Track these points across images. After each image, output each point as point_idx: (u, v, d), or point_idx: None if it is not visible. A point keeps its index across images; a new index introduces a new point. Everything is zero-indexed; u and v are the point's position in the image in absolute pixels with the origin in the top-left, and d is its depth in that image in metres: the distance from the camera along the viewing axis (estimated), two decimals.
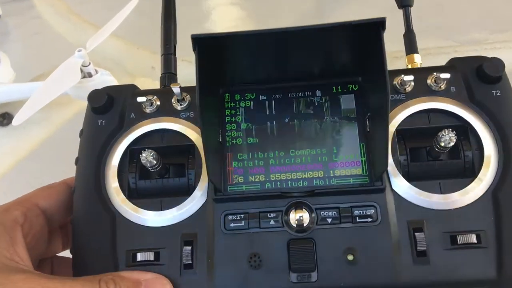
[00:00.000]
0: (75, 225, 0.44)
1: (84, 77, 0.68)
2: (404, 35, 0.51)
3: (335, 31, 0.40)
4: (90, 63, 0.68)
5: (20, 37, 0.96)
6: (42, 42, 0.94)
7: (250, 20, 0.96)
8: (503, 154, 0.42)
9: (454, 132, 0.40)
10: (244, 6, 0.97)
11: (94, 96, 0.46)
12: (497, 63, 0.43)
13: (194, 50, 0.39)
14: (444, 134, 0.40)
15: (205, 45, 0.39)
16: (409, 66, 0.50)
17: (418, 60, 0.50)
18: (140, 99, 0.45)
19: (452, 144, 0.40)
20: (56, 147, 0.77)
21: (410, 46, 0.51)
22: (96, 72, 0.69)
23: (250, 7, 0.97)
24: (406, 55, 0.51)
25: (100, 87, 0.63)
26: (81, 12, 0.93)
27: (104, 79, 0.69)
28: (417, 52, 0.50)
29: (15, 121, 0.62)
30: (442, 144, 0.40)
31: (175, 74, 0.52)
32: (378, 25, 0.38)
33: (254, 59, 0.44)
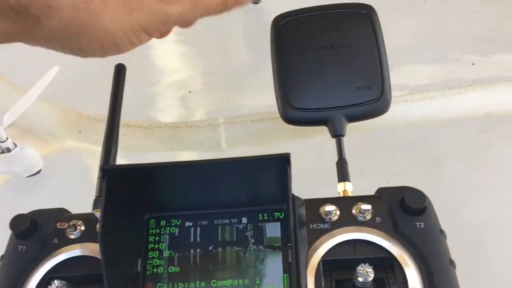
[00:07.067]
0: None
1: (2, 152, 0.67)
2: (337, 163, 0.51)
3: (250, 164, 0.40)
4: (7, 138, 0.67)
5: None
6: None
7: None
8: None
9: (371, 266, 0.39)
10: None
11: (16, 221, 0.44)
12: (418, 195, 0.43)
13: (102, 180, 0.39)
14: (360, 269, 0.39)
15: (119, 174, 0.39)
16: (341, 194, 0.49)
17: (349, 188, 0.49)
18: (61, 225, 0.44)
19: (370, 278, 0.39)
20: None
21: (342, 174, 0.50)
22: (15, 146, 0.68)
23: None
24: (338, 182, 0.50)
25: (20, 161, 0.64)
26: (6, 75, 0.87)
27: (25, 153, 0.68)
28: (348, 181, 0.50)
29: None
30: (361, 280, 0.39)
31: None
32: (284, 160, 0.39)
33: (177, 187, 0.43)
